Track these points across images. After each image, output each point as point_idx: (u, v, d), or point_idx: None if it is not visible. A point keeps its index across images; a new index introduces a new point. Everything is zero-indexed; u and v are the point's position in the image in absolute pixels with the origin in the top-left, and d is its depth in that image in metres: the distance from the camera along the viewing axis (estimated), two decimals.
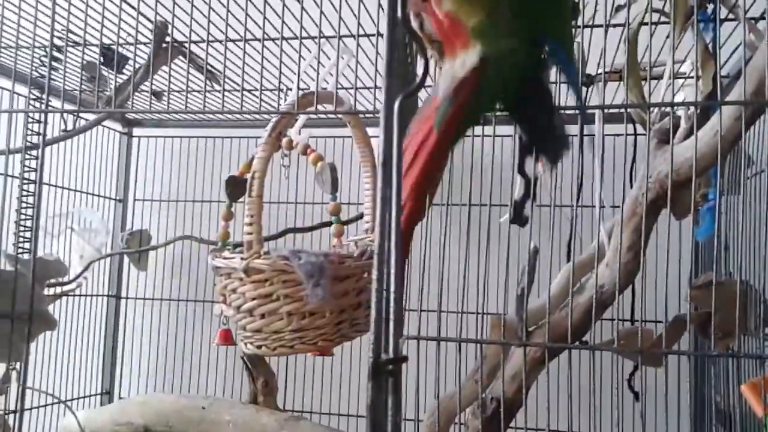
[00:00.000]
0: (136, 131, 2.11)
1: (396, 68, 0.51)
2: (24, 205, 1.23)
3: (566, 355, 1.32)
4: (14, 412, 1.07)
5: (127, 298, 2.07)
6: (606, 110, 1.29)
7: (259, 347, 1.14)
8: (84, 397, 1.94)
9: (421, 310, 1.06)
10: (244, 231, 1.10)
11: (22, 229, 1.22)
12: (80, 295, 1.89)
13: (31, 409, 1.08)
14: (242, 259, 1.09)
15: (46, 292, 1.51)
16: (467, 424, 1.16)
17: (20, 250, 1.18)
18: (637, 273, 1.11)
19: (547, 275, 1.24)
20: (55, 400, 1.41)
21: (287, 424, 1.23)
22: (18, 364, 1.06)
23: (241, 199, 1.34)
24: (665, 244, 1.40)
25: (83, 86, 1.51)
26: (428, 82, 0.62)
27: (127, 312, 2.07)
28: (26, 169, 1.27)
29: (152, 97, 1.59)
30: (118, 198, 2.07)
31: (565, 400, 1.15)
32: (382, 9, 1.15)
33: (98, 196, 1.98)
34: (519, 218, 1.35)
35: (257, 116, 1.79)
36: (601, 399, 1.15)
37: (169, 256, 2.03)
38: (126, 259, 2.01)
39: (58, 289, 1.68)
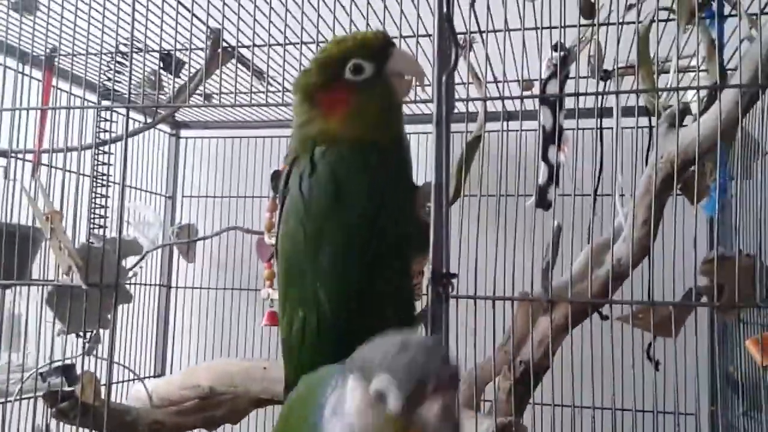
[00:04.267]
0: (184, 132, 2.27)
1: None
2: (97, 194, 1.38)
3: (588, 329, 1.42)
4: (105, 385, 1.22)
5: (176, 287, 2.22)
6: (622, 103, 1.41)
7: None
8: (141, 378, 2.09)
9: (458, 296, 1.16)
10: None
11: (96, 216, 1.36)
12: (135, 284, 2.04)
13: (111, 383, 1.22)
14: None
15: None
16: (499, 385, 1.28)
17: (94, 232, 1.33)
18: (650, 247, 1.23)
19: (569, 257, 1.36)
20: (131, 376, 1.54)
21: None
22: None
23: None
24: (682, 224, 1.51)
25: (144, 91, 1.66)
26: None
27: (177, 300, 2.22)
28: (97, 162, 1.43)
29: (204, 98, 1.73)
30: (167, 195, 2.23)
31: (589, 373, 1.26)
32: (419, 14, 1.29)
33: (150, 192, 2.13)
34: (543, 202, 1.47)
35: None
36: (622, 369, 1.26)
37: (215, 247, 2.18)
38: (176, 252, 2.16)
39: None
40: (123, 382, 1.77)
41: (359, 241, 0.87)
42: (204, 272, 2.21)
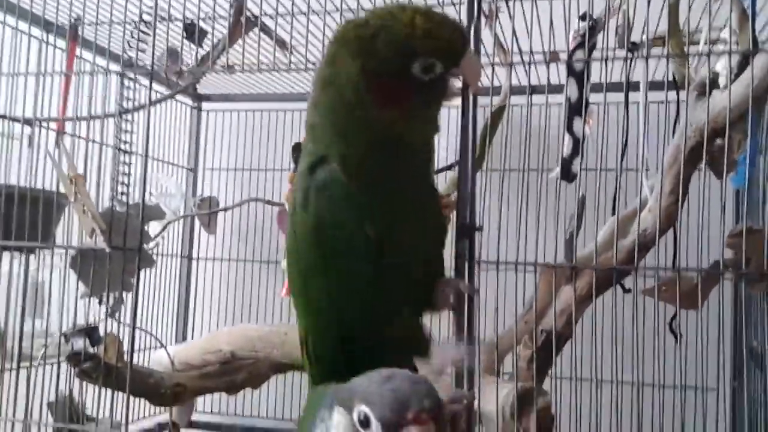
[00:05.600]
0: (205, 105, 2.27)
1: None
2: (120, 161, 1.38)
3: (610, 302, 1.41)
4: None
5: (198, 258, 2.24)
6: (650, 77, 1.38)
7: None
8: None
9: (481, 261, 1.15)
10: None
11: (121, 181, 1.37)
12: (157, 255, 2.05)
13: (134, 348, 1.23)
14: None
15: None
16: (520, 353, 1.28)
17: (117, 198, 1.34)
18: (676, 217, 1.21)
19: (593, 231, 1.35)
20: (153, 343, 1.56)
21: None
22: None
23: None
24: (708, 197, 1.49)
25: (166, 61, 1.65)
26: None
27: (198, 271, 2.24)
28: (119, 130, 1.43)
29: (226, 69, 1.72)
30: (189, 167, 2.24)
31: (609, 347, 1.25)
32: None
33: (172, 164, 2.14)
34: (567, 174, 1.46)
35: None
36: (644, 344, 1.25)
37: (236, 219, 2.18)
38: (197, 223, 2.17)
39: None
40: (145, 350, 1.79)
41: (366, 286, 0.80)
42: (225, 244, 2.22)
